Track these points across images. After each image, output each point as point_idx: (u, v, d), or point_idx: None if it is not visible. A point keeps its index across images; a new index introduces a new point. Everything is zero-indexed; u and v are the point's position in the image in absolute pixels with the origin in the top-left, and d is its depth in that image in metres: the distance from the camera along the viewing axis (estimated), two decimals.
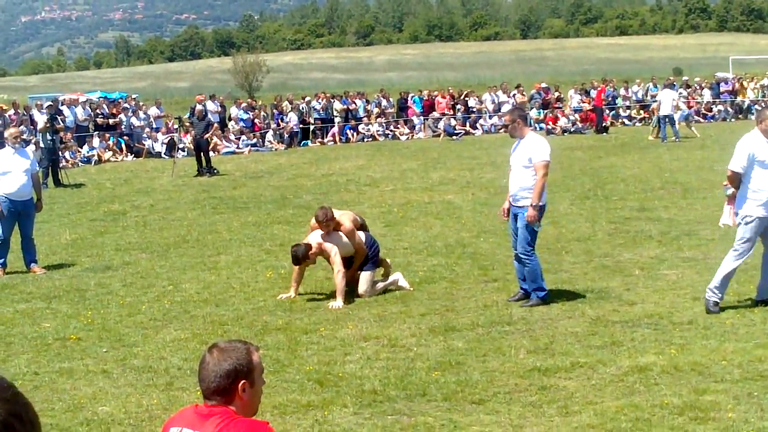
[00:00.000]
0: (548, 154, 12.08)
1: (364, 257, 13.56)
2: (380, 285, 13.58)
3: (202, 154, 31.61)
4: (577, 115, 45.91)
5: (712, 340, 10.26)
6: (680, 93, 45.47)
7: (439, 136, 43.85)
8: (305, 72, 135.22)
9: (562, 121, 44.84)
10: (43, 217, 19.06)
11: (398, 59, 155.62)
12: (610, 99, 47.84)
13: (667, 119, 37.59)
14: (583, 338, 10.58)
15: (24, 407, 1.55)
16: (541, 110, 46.78)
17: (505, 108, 44.50)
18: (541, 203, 12.07)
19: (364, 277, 13.44)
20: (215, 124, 36.20)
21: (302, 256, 13.14)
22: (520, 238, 12.24)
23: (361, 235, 13.64)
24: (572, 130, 44.08)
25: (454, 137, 43.28)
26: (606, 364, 9.54)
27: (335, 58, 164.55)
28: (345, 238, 13.32)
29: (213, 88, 71.82)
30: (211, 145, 33.57)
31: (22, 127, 32.44)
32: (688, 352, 9.84)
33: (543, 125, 44.54)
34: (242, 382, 4.51)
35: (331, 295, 13.14)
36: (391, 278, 13.70)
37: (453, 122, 45.37)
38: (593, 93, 46.59)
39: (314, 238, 13.39)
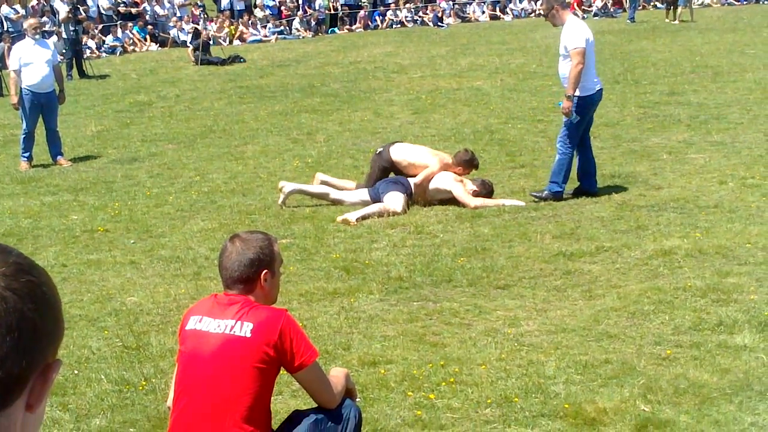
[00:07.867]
0: (583, 40, 11.36)
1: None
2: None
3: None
4: None
5: (736, 223, 10.23)
6: None
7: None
8: None
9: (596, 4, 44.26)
10: (68, 109, 19.08)
11: None
12: None
13: (633, 1, 41.42)
14: (609, 223, 10.59)
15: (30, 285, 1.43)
16: None
17: None
18: (581, 94, 11.43)
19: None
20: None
21: None
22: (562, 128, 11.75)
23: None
24: (602, 13, 43.47)
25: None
26: (630, 248, 9.54)
27: None
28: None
29: None
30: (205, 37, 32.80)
31: (43, 18, 32.28)
32: (713, 235, 9.82)
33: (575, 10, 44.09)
34: (264, 271, 4.59)
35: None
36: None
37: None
38: None
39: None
